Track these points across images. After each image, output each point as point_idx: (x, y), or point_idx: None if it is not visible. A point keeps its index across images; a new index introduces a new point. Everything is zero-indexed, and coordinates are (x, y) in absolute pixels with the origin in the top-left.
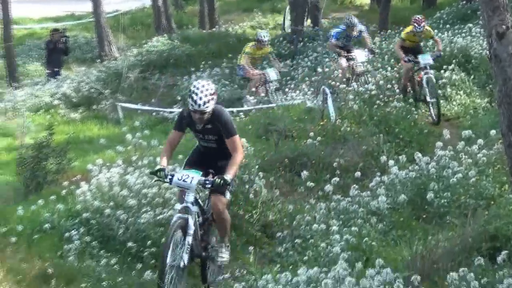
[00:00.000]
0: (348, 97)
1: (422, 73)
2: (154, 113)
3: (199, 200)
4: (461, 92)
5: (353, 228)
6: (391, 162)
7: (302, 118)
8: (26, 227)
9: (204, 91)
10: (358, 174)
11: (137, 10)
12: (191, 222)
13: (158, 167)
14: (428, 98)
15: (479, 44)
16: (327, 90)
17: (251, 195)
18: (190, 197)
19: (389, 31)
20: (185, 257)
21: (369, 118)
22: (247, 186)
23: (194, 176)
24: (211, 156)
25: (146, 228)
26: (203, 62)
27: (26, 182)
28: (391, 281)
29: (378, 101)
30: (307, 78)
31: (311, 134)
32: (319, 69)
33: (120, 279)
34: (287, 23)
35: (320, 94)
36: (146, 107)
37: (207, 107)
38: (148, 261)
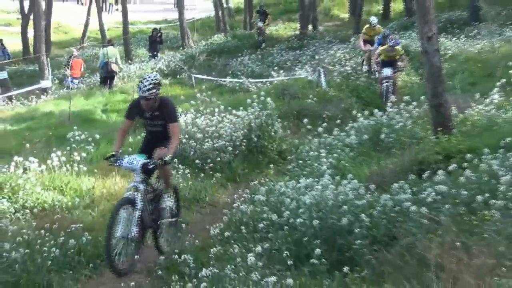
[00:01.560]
0: (333, 74)
1: (384, 81)
2: (214, 81)
3: (148, 180)
4: (403, 73)
5: (334, 155)
6: (359, 114)
7: (305, 86)
8: (133, 149)
9: (149, 80)
10: (338, 121)
11: (205, 18)
12: (139, 198)
13: (111, 153)
14: (384, 100)
15: (415, 44)
16: (321, 69)
17: (272, 133)
18: (137, 178)
19: (359, 34)
20: (134, 229)
21: (346, 87)
22: (269, 127)
23: (139, 160)
24: (157, 139)
25: (207, 151)
26: (244, 50)
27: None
28: (357, 188)
29: (351, 77)
30: (308, 62)
31: (310, 96)
32: (316, 57)
33: (190, 182)
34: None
35: (317, 72)
36: (209, 77)
37: (150, 94)
38: (208, 172)
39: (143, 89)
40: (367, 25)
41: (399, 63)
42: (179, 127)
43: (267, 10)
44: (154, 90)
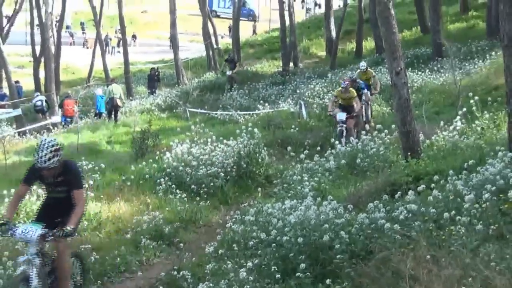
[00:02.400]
0: (313, 106)
1: (338, 125)
2: (206, 114)
3: (45, 250)
4: (376, 104)
5: (315, 178)
6: (336, 142)
7: (288, 117)
8: (135, 177)
9: (46, 148)
10: (318, 148)
11: (198, 58)
12: (34, 275)
13: (2, 221)
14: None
15: (385, 78)
16: (302, 102)
17: (259, 160)
18: (32, 250)
19: (336, 70)
20: None
21: (324, 118)
22: (257, 155)
23: (35, 230)
24: (59, 206)
25: (202, 177)
26: (234, 86)
27: (136, 152)
28: (337, 208)
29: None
30: (290, 96)
31: (293, 126)
32: (298, 91)
33: (186, 205)
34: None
35: (298, 104)
36: (202, 111)
37: (51, 163)
38: (202, 196)
39: (41, 160)
40: (359, 70)
41: (355, 106)
42: (84, 193)
43: (235, 59)
44: (55, 158)
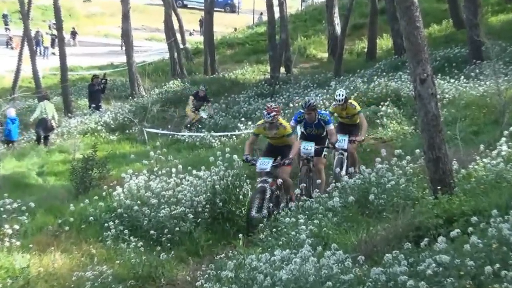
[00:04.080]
0: None
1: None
2: (170, 136)
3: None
4: (394, 122)
5: (315, 221)
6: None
7: None
8: (76, 219)
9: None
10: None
11: (158, 61)
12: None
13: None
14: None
15: (407, 87)
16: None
17: (240, 196)
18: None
19: (342, 77)
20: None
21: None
22: (237, 190)
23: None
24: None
25: (164, 220)
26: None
27: (77, 186)
28: (343, 260)
29: None
30: (282, 111)
31: None
32: (291, 105)
33: (144, 257)
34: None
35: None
36: (164, 132)
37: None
38: (165, 245)
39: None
40: (334, 103)
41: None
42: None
43: (208, 96)
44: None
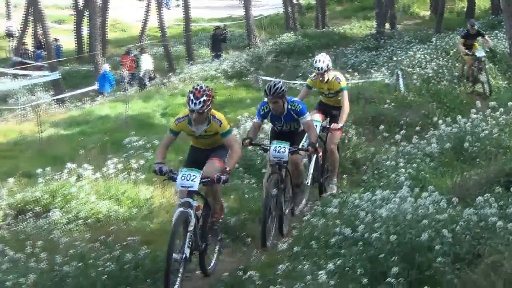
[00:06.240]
0: (413, 77)
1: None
2: None
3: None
4: (489, 77)
5: (413, 165)
6: (440, 121)
7: (381, 90)
8: None
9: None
10: (418, 128)
11: (273, 15)
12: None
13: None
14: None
15: (502, 45)
16: (399, 72)
17: (346, 140)
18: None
19: (442, 34)
20: None
21: (426, 92)
22: (343, 134)
23: (285, 146)
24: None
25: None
26: (316, 50)
27: None
28: (438, 201)
29: (433, 80)
30: (385, 64)
31: (387, 101)
32: (394, 58)
33: (256, 193)
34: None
35: (394, 75)
36: (278, 80)
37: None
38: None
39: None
40: (313, 74)
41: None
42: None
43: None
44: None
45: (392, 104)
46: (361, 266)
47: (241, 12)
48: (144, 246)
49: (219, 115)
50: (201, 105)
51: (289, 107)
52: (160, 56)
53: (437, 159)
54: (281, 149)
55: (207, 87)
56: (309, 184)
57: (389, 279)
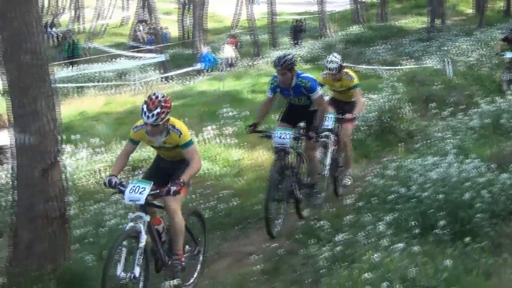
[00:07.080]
0: (458, 64)
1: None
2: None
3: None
4: None
5: (458, 136)
6: (481, 101)
7: (432, 74)
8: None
9: None
10: (462, 107)
11: (343, 11)
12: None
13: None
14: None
15: None
16: (448, 59)
17: (401, 115)
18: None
19: (483, 28)
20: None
21: (470, 76)
22: (399, 110)
23: (289, 133)
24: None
25: None
26: (377, 41)
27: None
28: (479, 167)
29: (475, 67)
30: (436, 53)
31: (437, 83)
32: (443, 48)
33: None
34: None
35: (443, 62)
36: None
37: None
38: None
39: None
40: (326, 71)
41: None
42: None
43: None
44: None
45: (441, 86)
46: (414, 219)
47: (316, 8)
48: (235, 198)
49: (179, 124)
50: (154, 118)
51: (298, 82)
52: (249, 44)
53: (478, 132)
54: (284, 135)
55: (163, 97)
56: (327, 175)
57: (436, 230)
